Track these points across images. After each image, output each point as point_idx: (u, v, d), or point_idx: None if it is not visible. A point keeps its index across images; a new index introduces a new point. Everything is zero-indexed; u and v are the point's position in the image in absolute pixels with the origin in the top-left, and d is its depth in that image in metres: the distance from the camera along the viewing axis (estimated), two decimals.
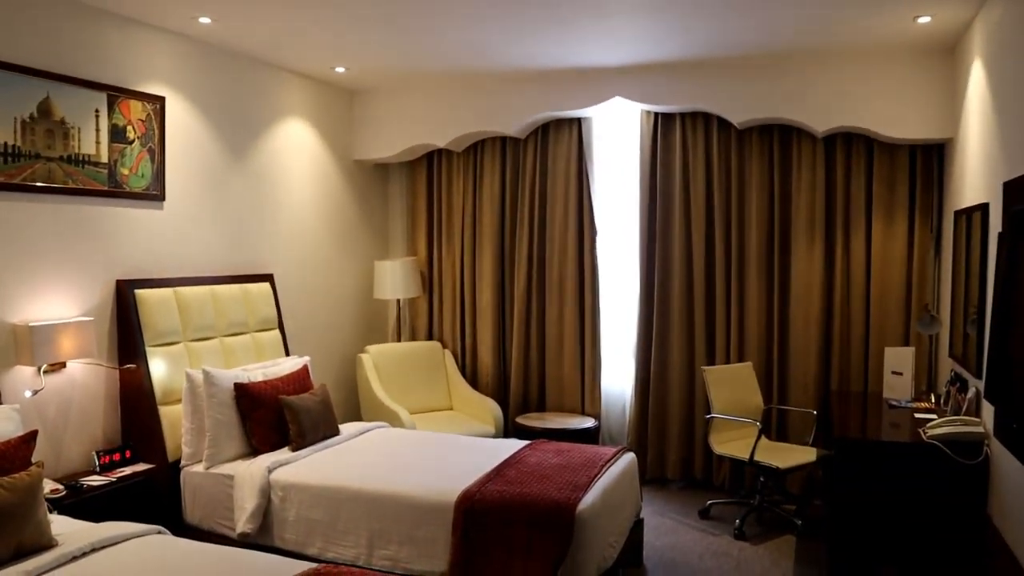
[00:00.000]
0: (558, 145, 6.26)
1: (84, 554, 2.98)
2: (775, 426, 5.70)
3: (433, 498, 3.72)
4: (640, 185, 5.99)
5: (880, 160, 5.44)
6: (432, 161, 6.77)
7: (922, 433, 3.90)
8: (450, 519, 3.65)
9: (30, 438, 3.22)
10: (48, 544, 2.99)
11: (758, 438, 4.96)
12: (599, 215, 6.20)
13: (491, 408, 5.96)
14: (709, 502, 5.41)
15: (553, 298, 6.31)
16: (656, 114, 5.93)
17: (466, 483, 3.81)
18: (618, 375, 6.31)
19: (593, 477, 3.93)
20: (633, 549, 4.44)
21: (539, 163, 6.33)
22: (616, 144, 6.25)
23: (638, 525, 4.51)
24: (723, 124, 5.74)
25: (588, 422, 5.95)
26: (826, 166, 5.56)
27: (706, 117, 5.80)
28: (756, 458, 4.91)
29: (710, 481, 5.90)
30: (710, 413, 5.24)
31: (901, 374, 4.90)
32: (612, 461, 4.26)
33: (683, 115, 5.86)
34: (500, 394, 6.46)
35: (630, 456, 4.50)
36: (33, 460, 3.19)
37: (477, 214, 6.58)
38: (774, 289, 5.69)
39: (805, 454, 5.05)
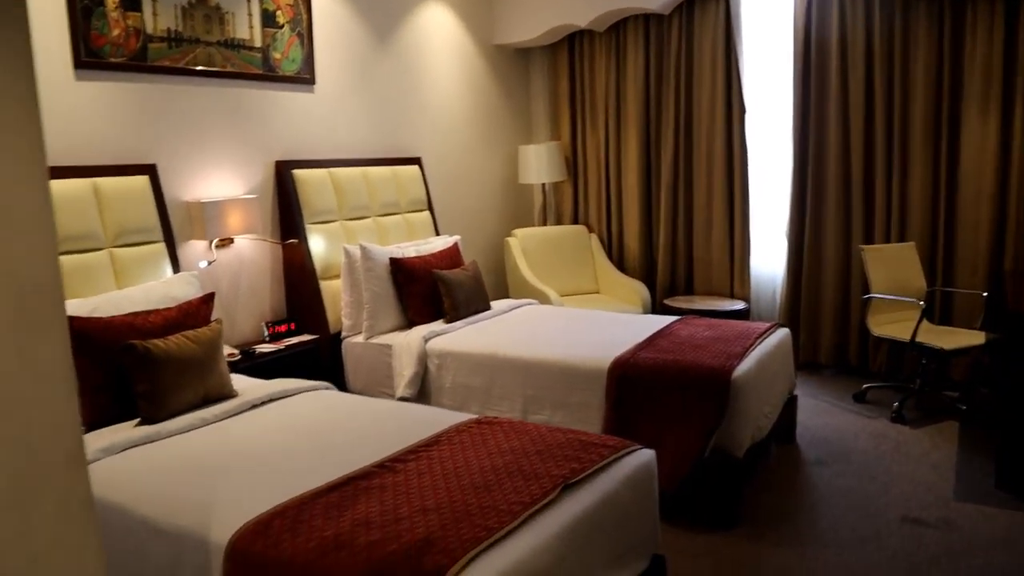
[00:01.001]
0: (704, 19, 5.98)
1: (262, 403, 3.21)
2: (938, 310, 5.39)
3: (586, 365, 3.76)
4: (793, 57, 5.65)
5: None
6: (573, 43, 6.62)
7: None
8: (603, 385, 3.68)
9: (208, 299, 3.44)
10: (230, 394, 3.22)
11: (920, 319, 4.72)
12: (748, 91, 5.93)
13: (638, 290, 5.92)
14: (865, 386, 5.23)
15: (701, 178, 6.13)
16: None
17: (619, 351, 3.81)
18: (768, 257, 6.11)
19: (747, 348, 3.85)
20: (786, 426, 4.37)
21: (684, 39, 6.08)
22: (766, 13, 5.90)
23: (791, 402, 4.42)
24: None
25: (738, 305, 5.83)
26: (1006, 27, 5.04)
27: None
28: (918, 339, 4.68)
29: (865, 367, 5.69)
30: (867, 294, 5.02)
31: None
32: (766, 335, 4.17)
33: None
34: (647, 277, 6.40)
35: (784, 331, 4.38)
36: (212, 319, 3.41)
37: (621, 95, 6.42)
38: (940, 163, 5.30)
39: (972, 337, 4.77)
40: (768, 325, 4.33)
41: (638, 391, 3.61)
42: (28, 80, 1.10)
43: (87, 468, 1.26)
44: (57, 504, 1.22)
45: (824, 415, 4.86)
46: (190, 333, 3.12)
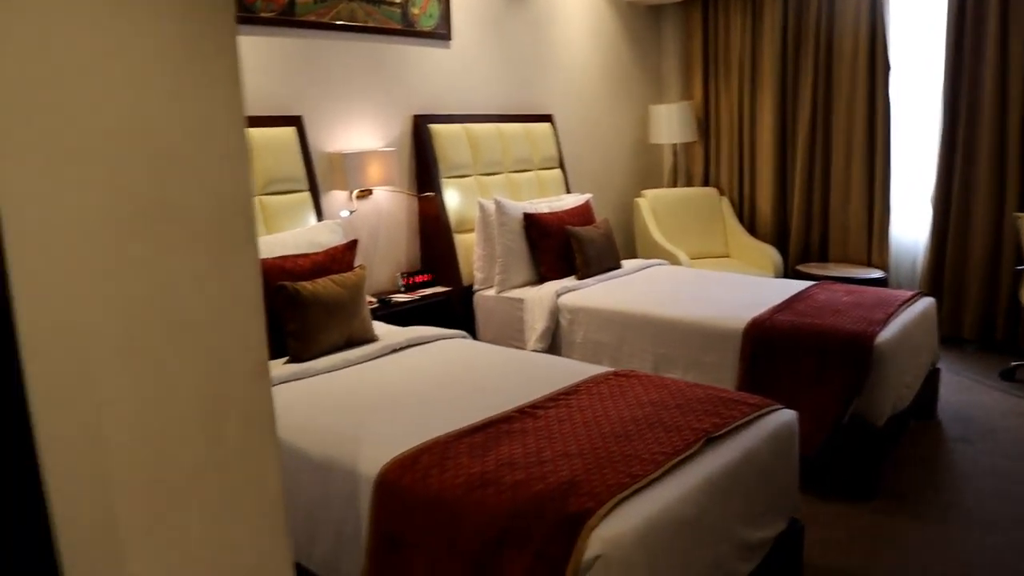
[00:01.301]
0: None
1: (402, 348, 3.30)
2: None
3: (720, 325, 3.69)
4: (947, 10, 5.32)
5: None
6: (707, 0, 6.44)
7: None
8: (738, 346, 3.61)
9: (352, 245, 3.55)
10: (372, 338, 3.32)
11: None
12: (893, 48, 5.62)
13: (770, 255, 5.77)
14: (1013, 363, 4.94)
15: (839, 141, 5.88)
16: None
17: (754, 313, 3.73)
18: (909, 224, 5.83)
19: (889, 315, 3.70)
20: (927, 400, 4.18)
21: None
22: None
23: (933, 375, 4.22)
24: None
25: (875, 273, 5.60)
26: None
27: None
28: None
29: (1014, 343, 5.36)
30: (1021, 265, 4.72)
31: None
32: (909, 303, 3.99)
33: None
34: (779, 242, 6.22)
35: (928, 300, 4.18)
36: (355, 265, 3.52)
37: (756, 54, 6.21)
38: None
39: None
40: (911, 293, 4.15)
41: (775, 353, 3.52)
42: (232, 26, 1.16)
43: (270, 383, 1.31)
44: (244, 416, 1.27)
45: (968, 391, 4.63)
46: (336, 277, 3.23)
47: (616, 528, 1.86)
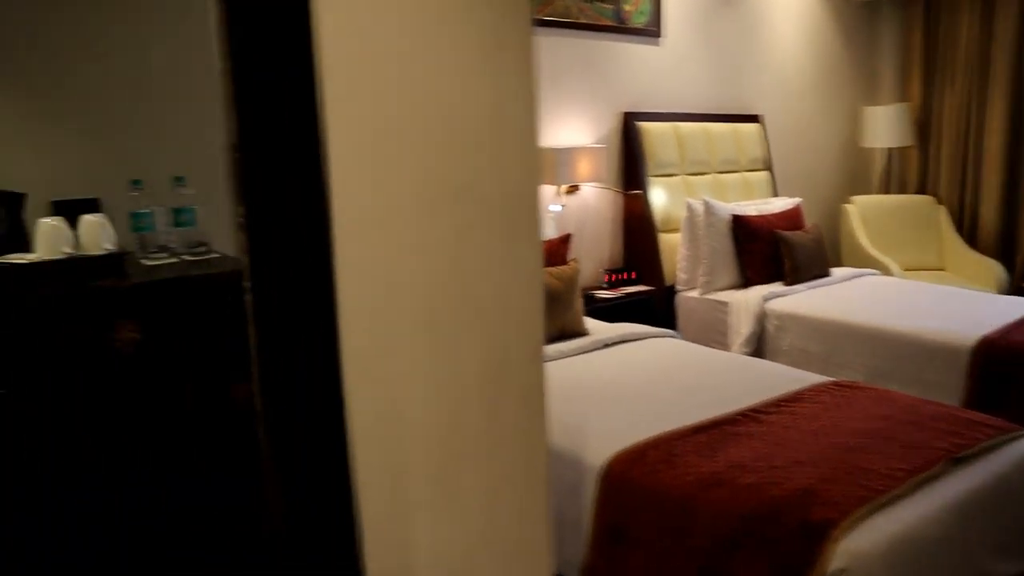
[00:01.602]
0: None
1: (613, 344, 3.31)
2: None
3: (945, 340, 3.47)
4: None
5: None
6: None
7: None
8: (964, 364, 3.39)
9: (567, 239, 3.60)
10: (582, 331, 3.36)
11: None
12: None
13: (993, 270, 5.35)
14: None
15: None
16: None
17: (984, 330, 3.48)
18: None
19: None
20: None
21: None
22: None
23: None
24: None
25: None
26: None
27: None
28: None
29: None
30: None
31: None
32: None
33: None
34: (1004, 257, 5.75)
35: None
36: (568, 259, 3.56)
37: (986, 53, 5.75)
38: None
39: None
40: None
41: (1010, 375, 3.28)
42: (528, 20, 1.20)
43: (543, 365, 1.35)
44: (521, 395, 1.32)
45: None
46: (552, 269, 3.29)
47: (861, 542, 1.79)
